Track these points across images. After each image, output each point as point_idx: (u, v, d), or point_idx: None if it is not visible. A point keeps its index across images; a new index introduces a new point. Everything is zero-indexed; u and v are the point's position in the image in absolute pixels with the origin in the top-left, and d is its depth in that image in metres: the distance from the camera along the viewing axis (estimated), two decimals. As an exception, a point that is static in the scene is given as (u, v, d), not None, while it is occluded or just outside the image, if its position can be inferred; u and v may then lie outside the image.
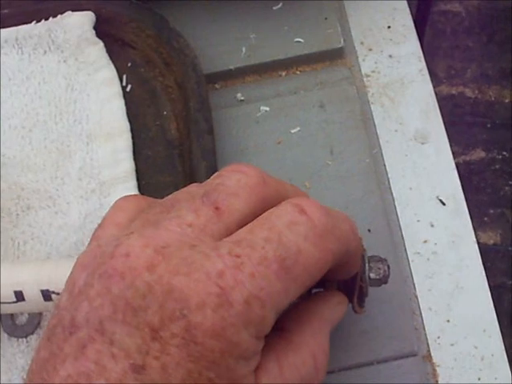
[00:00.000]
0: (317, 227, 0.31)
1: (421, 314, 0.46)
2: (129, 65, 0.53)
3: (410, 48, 0.54)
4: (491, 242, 1.57)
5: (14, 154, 0.49)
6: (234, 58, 0.54)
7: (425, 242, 0.47)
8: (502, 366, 0.44)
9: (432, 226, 0.48)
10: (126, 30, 0.53)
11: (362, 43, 0.55)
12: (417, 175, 0.49)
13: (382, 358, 0.44)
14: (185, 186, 0.38)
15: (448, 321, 0.45)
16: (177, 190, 0.37)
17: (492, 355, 0.44)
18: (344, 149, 0.50)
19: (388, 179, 0.49)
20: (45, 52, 0.52)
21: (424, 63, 0.54)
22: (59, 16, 0.52)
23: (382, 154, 0.50)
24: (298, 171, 0.49)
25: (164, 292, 0.28)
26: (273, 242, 0.30)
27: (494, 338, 0.45)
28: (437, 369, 0.44)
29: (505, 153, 1.66)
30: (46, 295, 0.39)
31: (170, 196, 0.36)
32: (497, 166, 1.65)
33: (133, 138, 0.50)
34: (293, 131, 0.51)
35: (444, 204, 0.48)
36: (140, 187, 0.48)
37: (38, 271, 0.39)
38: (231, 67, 0.53)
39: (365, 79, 0.53)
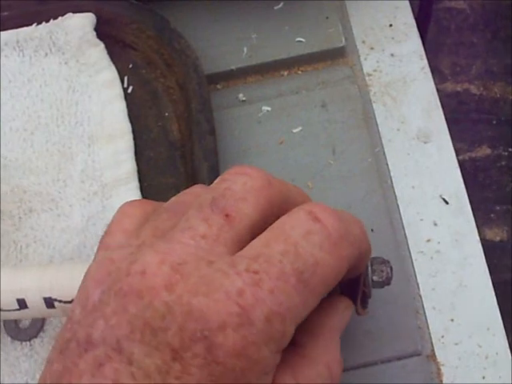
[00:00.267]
0: (331, 235, 0.31)
1: (425, 313, 0.45)
2: (130, 66, 0.53)
3: (411, 46, 0.54)
4: (497, 238, 1.57)
5: (15, 157, 0.49)
6: (236, 58, 0.54)
7: (428, 240, 0.47)
8: (507, 365, 0.44)
9: (435, 224, 0.48)
10: (127, 31, 0.53)
11: (363, 42, 0.54)
12: (419, 174, 0.49)
13: (386, 357, 0.44)
14: (187, 187, 0.38)
15: (452, 320, 0.45)
16: (179, 191, 0.38)
17: (496, 353, 0.44)
18: (346, 148, 0.50)
19: (390, 178, 0.49)
20: (46, 54, 0.52)
21: (426, 61, 0.53)
22: (60, 18, 0.52)
23: (384, 153, 0.50)
24: (300, 171, 0.49)
25: (184, 313, 0.28)
26: (289, 255, 0.30)
27: (498, 336, 0.45)
28: (441, 368, 0.44)
29: (510, 149, 1.65)
30: (49, 302, 0.38)
31: (174, 199, 0.36)
32: (502, 163, 1.64)
33: (134, 139, 0.49)
34: (295, 131, 0.51)
35: (447, 203, 0.48)
36: (142, 189, 0.48)
37: (41, 277, 0.39)
38: (233, 67, 0.53)
39: (366, 78, 0.53)
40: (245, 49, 0.54)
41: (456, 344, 0.45)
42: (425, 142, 0.50)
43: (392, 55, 0.54)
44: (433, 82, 0.53)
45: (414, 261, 0.47)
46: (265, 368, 0.29)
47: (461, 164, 0.49)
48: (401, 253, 0.47)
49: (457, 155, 0.49)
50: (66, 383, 0.28)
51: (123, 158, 0.48)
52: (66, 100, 0.50)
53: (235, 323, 0.28)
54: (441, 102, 0.52)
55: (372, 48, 0.54)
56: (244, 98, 0.53)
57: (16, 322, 0.44)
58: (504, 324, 0.45)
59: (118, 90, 0.51)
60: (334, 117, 0.51)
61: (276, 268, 0.29)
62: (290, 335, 0.30)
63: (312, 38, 0.54)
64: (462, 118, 1.70)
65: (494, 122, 1.69)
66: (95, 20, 0.52)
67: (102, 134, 0.49)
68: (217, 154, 0.47)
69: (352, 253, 0.33)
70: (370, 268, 0.37)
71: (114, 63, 0.52)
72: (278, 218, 0.32)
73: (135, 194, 0.47)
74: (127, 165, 0.48)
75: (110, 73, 0.51)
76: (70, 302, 0.38)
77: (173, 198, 0.36)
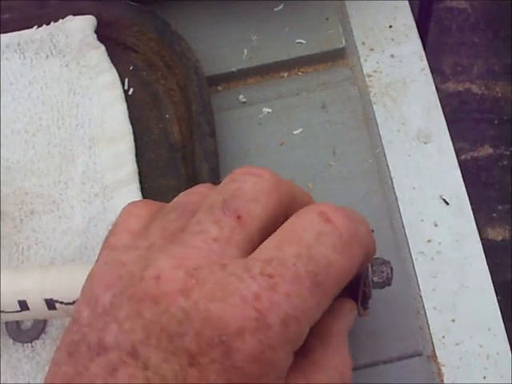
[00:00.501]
0: (343, 235, 0.31)
1: (425, 313, 0.45)
2: (131, 68, 0.53)
3: (411, 47, 0.54)
4: (500, 238, 1.57)
5: (17, 159, 0.49)
6: (236, 59, 0.54)
7: (428, 241, 0.47)
8: (508, 365, 0.44)
9: (436, 225, 0.48)
10: (128, 33, 0.53)
11: (363, 43, 0.55)
12: (420, 175, 0.49)
13: (387, 358, 0.44)
14: (188, 188, 0.38)
15: (453, 320, 0.45)
16: (179, 193, 0.37)
17: (497, 354, 0.44)
18: (347, 149, 0.50)
19: (391, 179, 0.49)
20: (47, 56, 0.52)
21: (426, 62, 0.53)
22: (61, 20, 0.53)
23: (384, 154, 0.50)
24: (300, 172, 0.49)
25: (201, 318, 0.28)
26: (303, 257, 0.30)
27: (499, 336, 0.45)
28: (442, 368, 0.44)
29: (512, 149, 1.66)
30: (50, 304, 0.39)
31: (180, 199, 0.36)
32: (504, 162, 1.64)
33: (135, 141, 0.50)
34: (295, 132, 0.51)
35: (447, 203, 0.48)
36: (143, 190, 0.48)
37: (42, 279, 0.39)
38: (233, 69, 0.53)
39: (367, 79, 0.53)
40: (245, 50, 0.54)
41: (457, 344, 0.45)
42: (425, 143, 0.50)
43: (392, 56, 0.54)
44: (433, 83, 0.53)
45: (414, 261, 0.47)
46: (280, 371, 0.29)
47: (463, 164, 0.49)
48: (401, 253, 0.47)
49: (459, 155, 0.50)
50: None
51: (124, 159, 0.48)
52: (67, 102, 0.50)
53: (252, 328, 0.28)
54: (442, 101, 0.52)
55: (372, 49, 0.54)
56: (244, 100, 0.53)
57: (18, 323, 0.44)
58: (505, 324, 0.45)
59: (119, 92, 0.51)
60: (334, 118, 0.51)
61: (290, 271, 0.29)
62: (305, 336, 0.30)
63: (312, 39, 0.54)
64: (463, 117, 1.70)
65: (496, 122, 1.69)
66: (96, 22, 0.53)
67: (102, 136, 0.49)
68: (217, 155, 0.47)
69: (362, 252, 0.33)
70: (370, 268, 0.37)
71: (115, 65, 0.52)
72: (286, 217, 0.33)
73: (136, 196, 0.47)
74: (128, 166, 0.48)
75: (110, 75, 0.51)
76: (71, 303, 0.38)
77: (178, 198, 0.36)
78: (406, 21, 0.55)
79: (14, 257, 0.46)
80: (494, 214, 1.58)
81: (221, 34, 0.55)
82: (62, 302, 0.38)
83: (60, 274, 0.39)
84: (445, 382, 0.44)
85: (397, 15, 0.55)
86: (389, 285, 0.38)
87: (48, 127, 0.50)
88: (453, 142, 0.50)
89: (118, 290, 0.29)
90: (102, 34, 0.53)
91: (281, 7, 0.55)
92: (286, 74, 0.54)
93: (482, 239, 0.47)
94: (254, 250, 0.31)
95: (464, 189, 0.49)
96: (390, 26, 0.55)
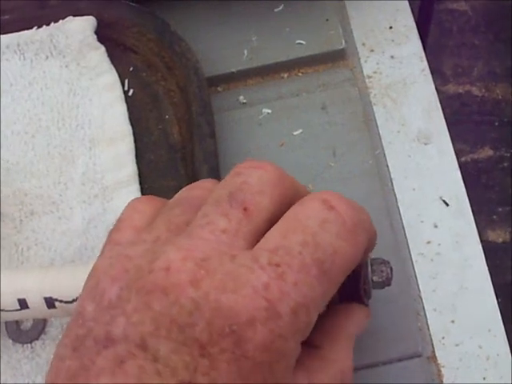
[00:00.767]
0: (346, 222, 0.32)
1: (425, 314, 0.45)
2: (131, 69, 0.53)
3: (411, 48, 0.54)
4: (500, 240, 1.56)
5: (17, 160, 0.49)
6: (236, 60, 0.54)
7: (428, 242, 0.47)
8: (508, 366, 0.44)
9: (435, 226, 0.48)
10: (128, 34, 0.53)
11: (363, 44, 0.55)
12: (420, 176, 0.49)
13: (387, 359, 0.44)
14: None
15: (453, 321, 0.45)
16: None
17: (497, 355, 0.44)
18: (347, 150, 0.50)
19: (391, 180, 0.49)
20: (47, 57, 0.52)
21: (426, 63, 0.53)
22: (60, 21, 0.53)
23: (384, 155, 0.50)
24: (300, 173, 0.49)
25: (212, 309, 0.28)
26: (309, 245, 0.30)
27: (498, 337, 0.45)
28: (442, 369, 0.44)
29: (512, 150, 1.66)
30: (50, 302, 0.39)
31: (184, 194, 0.36)
32: (505, 164, 1.64)
33: (135, 142, 0.50)
34: (295, 133, 0.51)
35: (447, 204, 0.48)
36: (143, 191, 0.48)
37: (42, 278, 0.39)
38: (233, 70, 0.53)
39: (367, 80, 0.53)
40: (245, 51, 0.54)
41: (457, 345, 0.45)
42: (425, 144, 0.50)
43: (392, 57, 0.54)
44: (433, 84, 0.53)
45: (414, 262, 0.47)
46: (290, 360, 0.29)
47: (463, 166, 0.49)
48: (401, 254, 0.47)
49: (459, 157, 0.50)
50: (83, 382, 0.28)
51: (124, 160, 0.48)
52: (67, 103, 0.50)
53: (263, 317, 0.28)
54: (443, 103, 0.51)
55: (372, 50, 0.54)
56: (244, 101, 0.53)
57: (17, 324, 0.44)
58: (505, 325, 0.45)
59: (119, 93, 0.51)
60: (334, 119, 0.51)
61: (297, 260, 0.30)
62: (313, 324, 0.30)
63: (312, 40, 0.54)
64: (464, 119, 1.70)
65: (496, 124, 1.69)
66: (96, 23, 0.53)
67: (102, 137, 0.49)
68: (217, 156, 0.47)
69: (365, 239, 0.33)
70: (370, 268, 0.37)
71: (115, 66, 0.52)
72: (289, 208, 0.33)
73: (136, 197, 0.47)
74: (128, 167, 0.48)
75: (110, 76, 0.51)
76: (71, 302, 0.38)
77: (181, 193, 0.36)
78: (407, 22, 0.55)
79: (13, 257, 0.46)
80: (495, 216, 1.58)
81: (221, 34, 0.55)
82: (61, 301, 0.38)
83: (60, 273, 0.39)
84: (444, 382, 0.44)
85: (397, 16, 0.55)
86: (389, 285, 0.38)
87: (48, 128, 0.50)
88: (453, 144, 0.50)
89: (124, 284, 0.29)
90: (102, 34, 0.53)
91: (281, 8, 0.55)
92: (286, 75, 0.54)
93: (482, 241, 0.47)
94: (258, 241, 0.31)
95: (464, 190, 0.48)
96: (391, 27, 0.55)
